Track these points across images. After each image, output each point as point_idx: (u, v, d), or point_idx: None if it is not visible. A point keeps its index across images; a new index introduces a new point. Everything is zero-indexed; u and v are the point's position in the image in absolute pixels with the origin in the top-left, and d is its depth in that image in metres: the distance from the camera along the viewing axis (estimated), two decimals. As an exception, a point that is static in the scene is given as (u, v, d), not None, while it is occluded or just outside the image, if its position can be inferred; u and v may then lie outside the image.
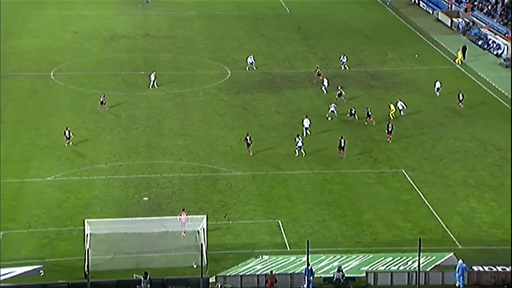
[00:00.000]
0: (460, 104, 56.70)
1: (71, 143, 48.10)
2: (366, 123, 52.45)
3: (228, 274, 34.40)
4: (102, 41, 72.06)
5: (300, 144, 47.36)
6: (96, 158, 47.01)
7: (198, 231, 36.78)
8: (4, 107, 55.19)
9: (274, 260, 35.98)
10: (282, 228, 39.00)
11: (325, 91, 58.27)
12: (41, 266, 34.91)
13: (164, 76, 62.48)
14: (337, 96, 56.96)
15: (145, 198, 42.04)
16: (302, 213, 40.75)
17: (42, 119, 53.03)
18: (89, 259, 31.84)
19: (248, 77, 62.54)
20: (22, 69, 63.57)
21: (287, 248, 37.33)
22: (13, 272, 34.23)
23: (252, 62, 64.04)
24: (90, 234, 35.76)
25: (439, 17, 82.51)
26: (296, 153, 47.35)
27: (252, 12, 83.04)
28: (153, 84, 59.36)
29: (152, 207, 41.05)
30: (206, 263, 34.24)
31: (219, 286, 33.41)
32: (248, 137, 47.77)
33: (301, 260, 35.36)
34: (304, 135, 49.88)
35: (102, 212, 40.26)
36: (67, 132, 48.35)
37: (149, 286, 32.44)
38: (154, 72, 60.46)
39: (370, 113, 52.93)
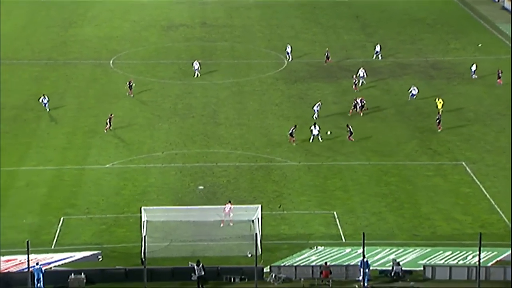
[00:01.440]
0: (499, 80, 55.83)
1: (110, 129, 48.73)
2: (361, 114, 51.27)
3: (282, 264, 34.37)
4: (160, 30, 72.85)
5: (315, 132, 47.10)
6: (153, 146, 47.63)
7: (252, 221, 36.91)
8: (65, 95, 56.43)
9: (329, 251, 35.84)
10: (337, 219, 38.82)
11: (361, 82, 57.15)
12: (99, 251, 35.67)
13: (220, 65, 62.71)
14: (353, 86, 56.15)
15: (201, 187, 42.41)
16: (357, 205, 40.41)
17: (102, 107, 53.96)
18: (146, 246, 32.26)
19: (304, 67, 62.16)
20: (83, 57, 64.78)
21: (342, 239, 37.16)
22: (72, 256, 35.12)
23: (289, 52, 63.14)
24: (147, 221, 36.27)
25: (505, 5, 79.95)
26: (311, 140, 47.06)
27: (309, 1, 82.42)
28: (197, 74, 59.54)
29: (207, 196, 41.39)
30: (260, 252, 34.33)
31: (274, 276, 33.45)
32: (293, 129, 47.58)
33: (357, 252, 35.14)
34: (317, 117, 49.64)
35: (158, 200, 40.80)
36: (109, 118, 49.15)
37: (202, 273, 32.74)
38: (197, 61, 60.48)
39: (362, 103, 51.66)
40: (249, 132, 49.93)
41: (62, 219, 38.85)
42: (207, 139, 48.91)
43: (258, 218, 36.30)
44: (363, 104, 52.21)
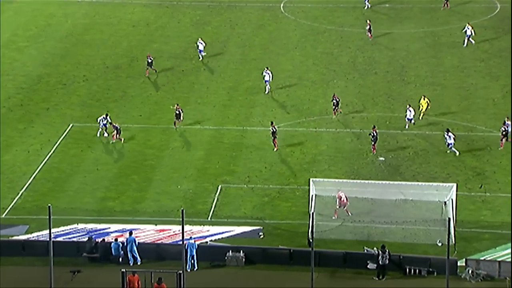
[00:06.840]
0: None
1: (176, 125, 44.54)
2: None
3: (482, 258, 33.32)
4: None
5: (451, 140, 41.95)
6: (325, 107, 47.72)
7: (445, 203, 36.15)
8: (228, 43, 57.80)
9: (544, 247, 34.12)
10: (559, 207, 36.91)
11: None
12: (260, 227, 36.58)
13: (412, 10, 61.27)
14: None
15: (381, 158, 42.14)
16: None
17: (268, 59, 54.81)
18: (314, 225, 32.41)
19: (523, 12, 59.46)
20: (250, -1, 66.24)
21: None
22: (230, 231, 36.36)
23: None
24: (316, 195, 36.63)
25: None
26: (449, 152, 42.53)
27: None
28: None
29: (389, 169, 41.03)
30: (453, 242, 33.54)
31: (470, 271, 32.49)
32: None
33: None
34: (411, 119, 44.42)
35: (329, 171, 41.06)
36: (177, 109, 44.26)
37: (387, 262, 32.35)
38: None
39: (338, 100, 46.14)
40: (445, 94, 48.63)
41: (220, 187, 40.13)
42: (391, 101, 48.28)
43: (452, 200, 35.49)
44: None
